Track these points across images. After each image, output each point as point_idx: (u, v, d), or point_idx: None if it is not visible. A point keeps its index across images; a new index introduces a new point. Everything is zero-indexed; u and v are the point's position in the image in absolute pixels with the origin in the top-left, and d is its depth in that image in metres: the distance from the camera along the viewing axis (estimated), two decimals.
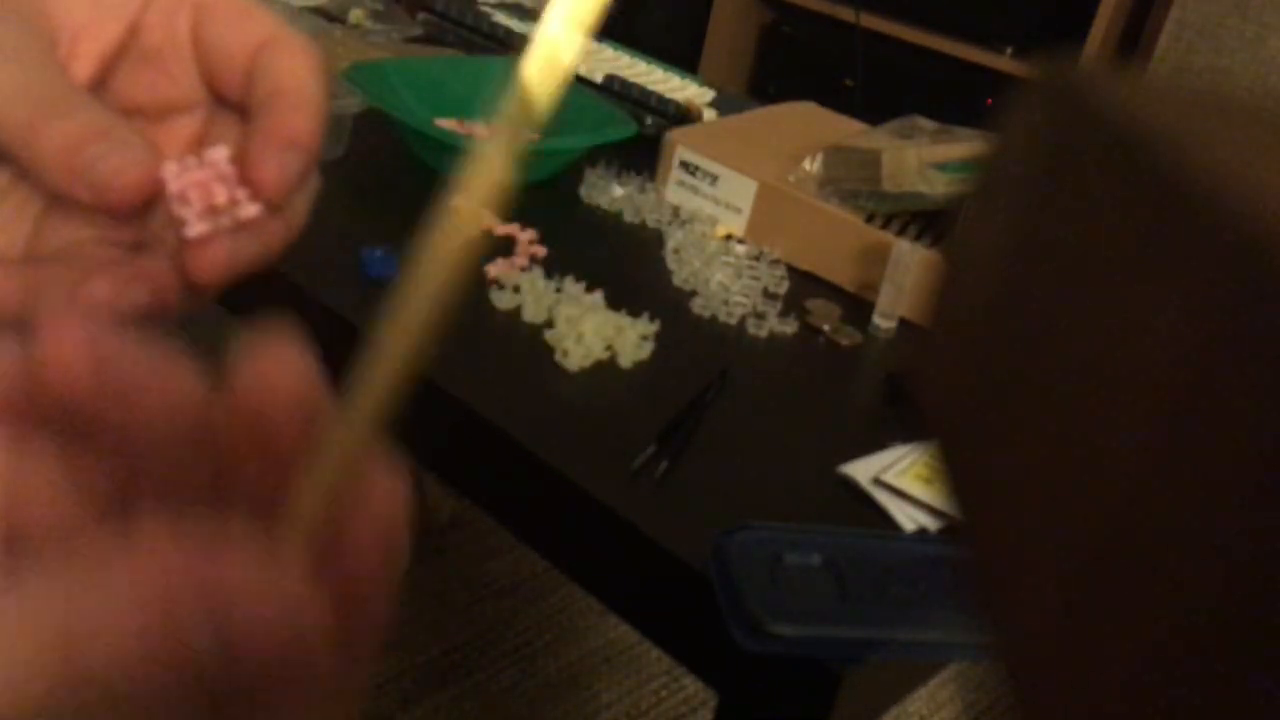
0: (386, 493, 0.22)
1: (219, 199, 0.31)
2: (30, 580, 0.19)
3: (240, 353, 0.22)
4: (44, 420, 0.21)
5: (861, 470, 0.65)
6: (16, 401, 0.21)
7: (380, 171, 0.97)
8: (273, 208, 0.31)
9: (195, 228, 0.30)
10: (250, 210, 0.31)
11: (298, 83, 0.31)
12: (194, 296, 0.32)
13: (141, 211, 0.31)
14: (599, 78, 1.13)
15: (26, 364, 0.21)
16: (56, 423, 0.21)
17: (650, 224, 0.95)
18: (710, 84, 1.20)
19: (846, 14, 2.20)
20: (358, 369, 0.22)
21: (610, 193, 0.98)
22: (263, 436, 0.22)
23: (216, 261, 0.30)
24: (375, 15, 1.27)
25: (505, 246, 0.86)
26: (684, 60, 2.28)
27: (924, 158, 0.87)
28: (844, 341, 0.83)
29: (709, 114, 1.10)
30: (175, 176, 0.31)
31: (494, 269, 0.82)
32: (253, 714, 0.20)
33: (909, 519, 0.62)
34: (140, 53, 0.33)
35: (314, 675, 0.20)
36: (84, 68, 0.32)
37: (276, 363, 0.22)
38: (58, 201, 0.32)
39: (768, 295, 0.87)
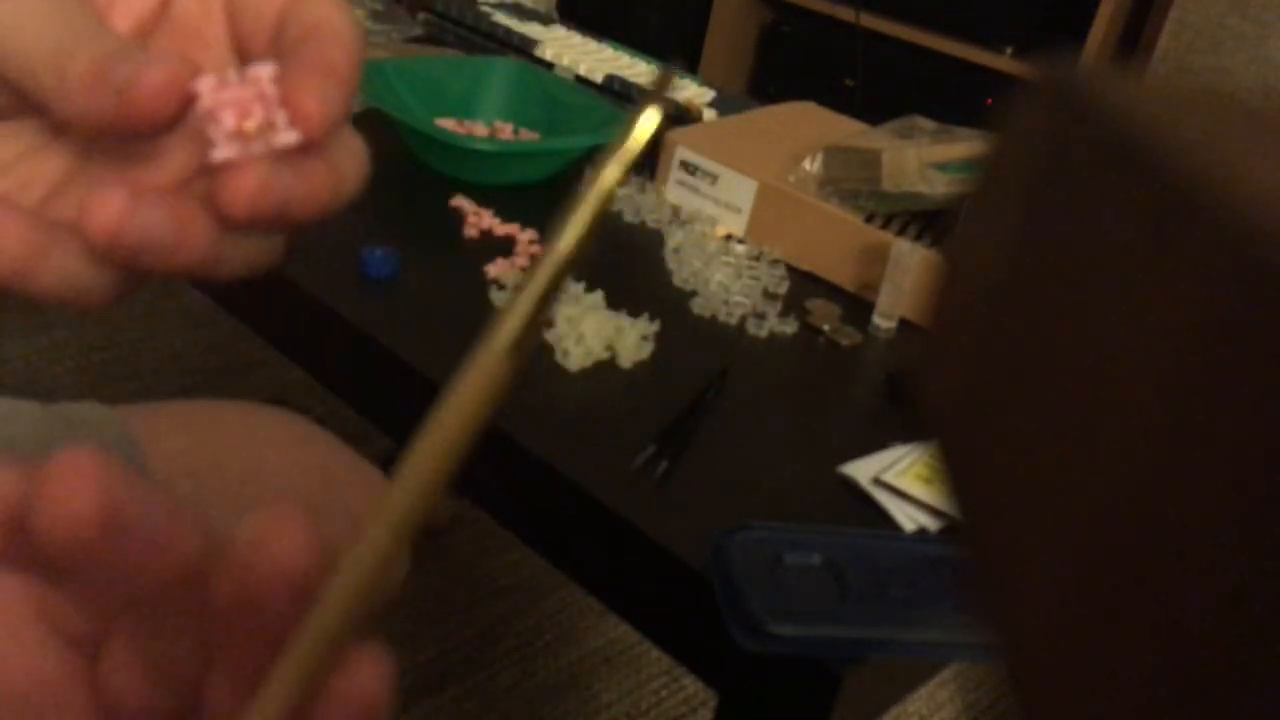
0: (367, 678, 0.21)
1: (253, 121, 0.27)
2: None
3: (249, 518, 0.21)
4: (24, 556, 0.21)
5: (861, 470, 0.65)
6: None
7: (380, 171, 0.97)
8: (312, 140, 0.28)
9: (222, 150, 0.27)
10: (288, 137, 0.27)
11: (331, 23, 0.29)
12: (222, 245, 0.28)
13: (170, 128, 0.27)
14: (599, 78, 1.13)
15: (19, 495, 0.20)
16: (39, 559, 0.21)
17: (650, 224, 0.95)
18: (710, 84, 1.20)
19: (846, 14, 2.20)
20: (348, 552, 0.21)
21: None
22: (252, 605, 0.21)
23: (247, 188, 0.27)
24: (375, 15, 1.27)
25: (505, 246, 0.86)
26: (684, 60, 2.28)
27: (924, 158, 0.87)
28: (844, 341, 0.82)
29: (709, 114, 1.10)
30: (210, 92, 0.27)
31: (494, 269, 0.82)
32: None
33: (909, 519, 0.62)
34: (174, 23, 0.32)
35: None
36: (120, 32, 0.30)
37: (281, 534, 0.21)
38: (81, 164, 0.30)
39: (768, 295, 0.87)
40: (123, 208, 0.26)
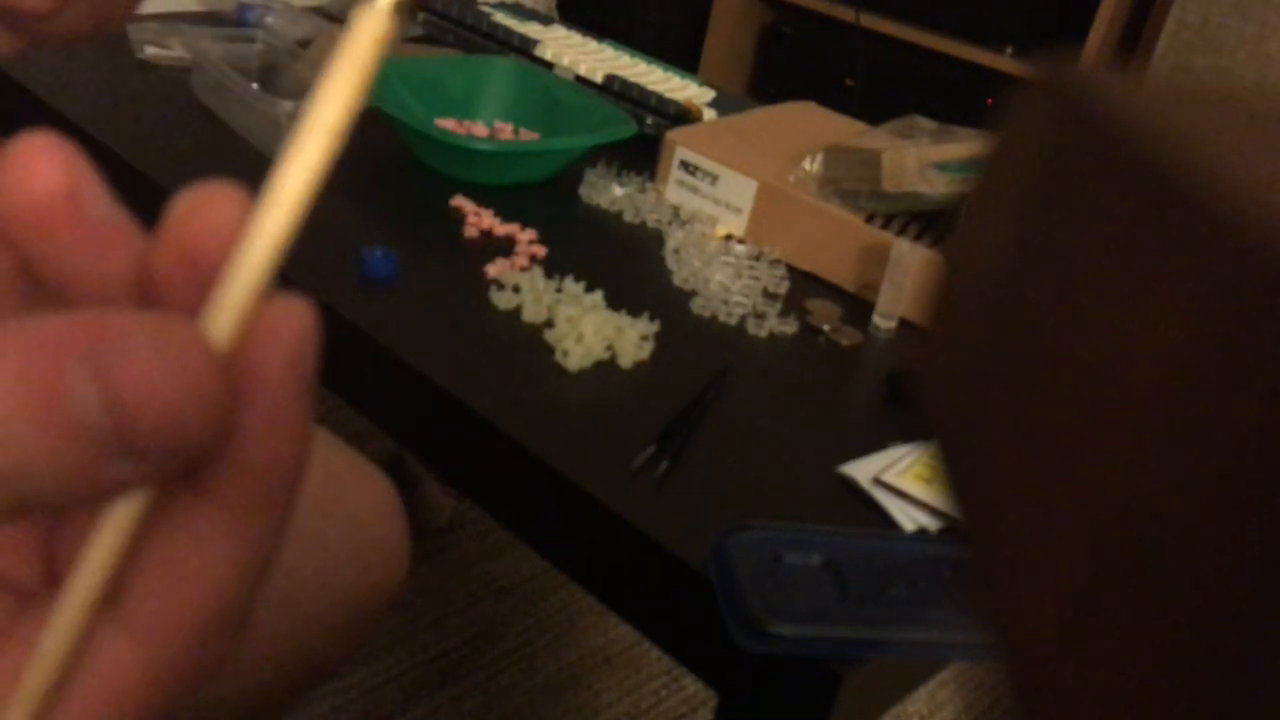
0: (294, 312, 0.21)
1: None
2: None
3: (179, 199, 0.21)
4: None
5: (861, 470, 0.65)
6: None
7: (380, 171, 0.97)
8: None
9: None
10: None
11: None
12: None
13: None
14: (599, 78, 1.13)
15: None
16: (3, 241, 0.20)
17: (650, 224, 0.95)
18: (710, 84, 1.20)
19: (846, 14, 2.20)
20: (269, 187, 0.21)
21: (610, 193, 0.98)
22: (191, 265, 0.21)
23: None
24: None
25: (505, 246, 0.86)
26: (684, 60, 2.28)
27: (924, 158, 0.87)
28: (844, 341, 0.82)
29: (709, 114, 1.10)
30: None
31: (494, 269, 0.82)
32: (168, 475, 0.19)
33: (909, 519, 0.62)
34: None
35: (220, 457, 0.19)
36: None
37: (214, 199, 0.21)
38: None
39: (768, 295, 0.87)
40: None
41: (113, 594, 0.20)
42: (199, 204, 0.21)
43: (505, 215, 0.90)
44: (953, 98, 2.14)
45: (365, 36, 0.21)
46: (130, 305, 0.21)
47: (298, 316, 0.21)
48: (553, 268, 0.83)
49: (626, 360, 0.73)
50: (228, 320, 0.20)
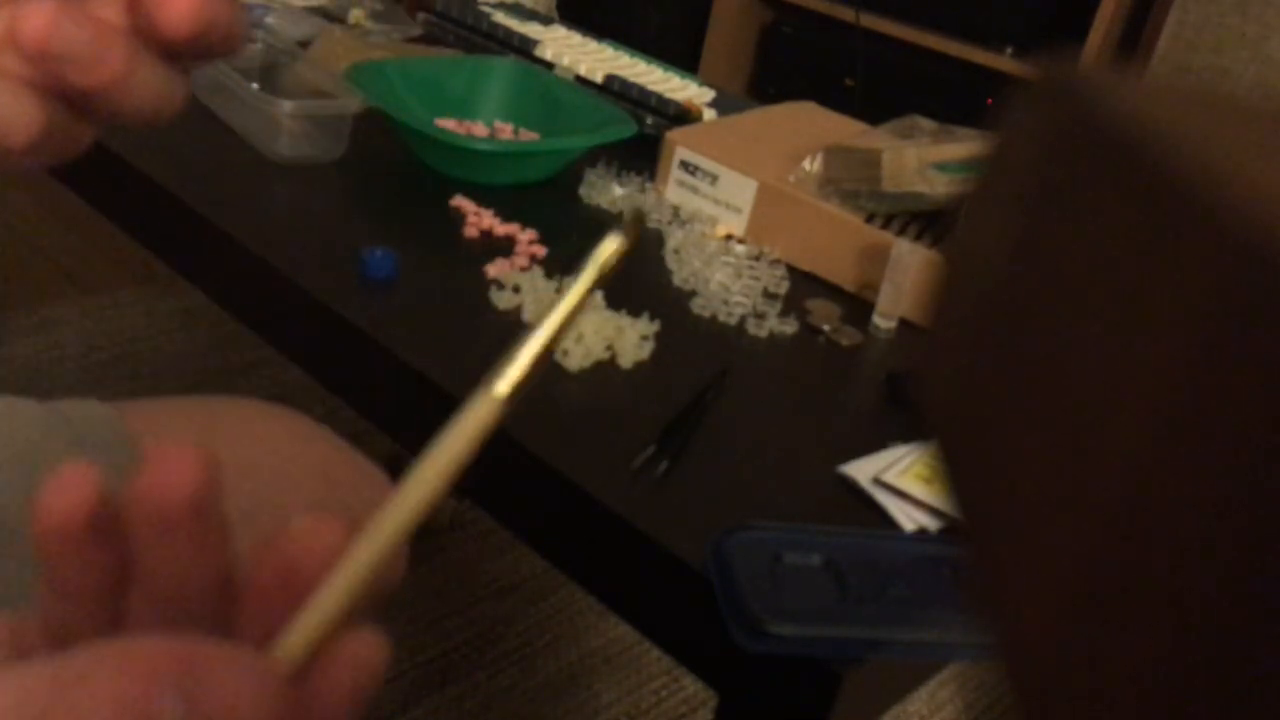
0: (366, 645, 0.24)
1: None
2: (17, 666, 0.20)
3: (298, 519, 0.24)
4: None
5: (861, 470, 0.65)
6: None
7: (380, 171, 0.97)
8: None
9: None
10: None
11: None
12: (137, 69, 0.30)
13: None
14: (599, 78, 1.13)
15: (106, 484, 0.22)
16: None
17: (650, 224, 0.95)
18: (710, 84, 1.20)
19: (846, 14, 2.20)
20: (372, 523, 0.24)
21: (610, 193, 0.97)
22: (284, 592, 0.23)
23: (186, 5, 0.29)
24: (375, 15, 1.27)
25: (505, 246, 0.86)
26: (684, 60, 2.28)
27: (924, 158, 0.87)
28: (844, 341, 0.82)
29: (709, 114, 1.10)
30: None
31: (494, 269, 0.82)
32: None
33: (909, 519, 0.62)
34: None
35: None
36: None
37: (319, 531, 0.24)
38: None
39: (768, 295, 0.87)
40: (50, 17, 0.28)
41: None
42: (307, 527, 0.24)
43: (505, 215, 0.90)
44: (953, 98, 2.14)
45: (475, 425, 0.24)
46: (213, 608, 0.24)
47: (368, 650, 0.24)
48: (553, 268, 0.83)
49: (626, 360, 0.73)
50: (304, 643, 0.23)
